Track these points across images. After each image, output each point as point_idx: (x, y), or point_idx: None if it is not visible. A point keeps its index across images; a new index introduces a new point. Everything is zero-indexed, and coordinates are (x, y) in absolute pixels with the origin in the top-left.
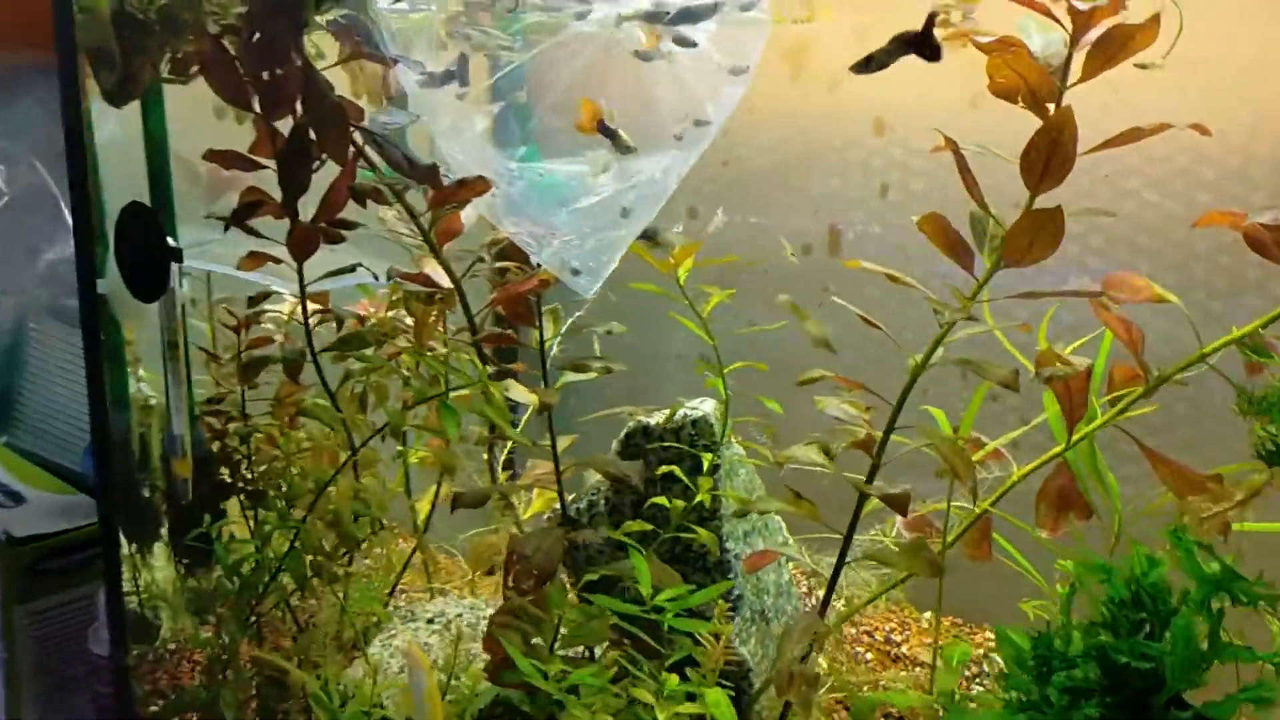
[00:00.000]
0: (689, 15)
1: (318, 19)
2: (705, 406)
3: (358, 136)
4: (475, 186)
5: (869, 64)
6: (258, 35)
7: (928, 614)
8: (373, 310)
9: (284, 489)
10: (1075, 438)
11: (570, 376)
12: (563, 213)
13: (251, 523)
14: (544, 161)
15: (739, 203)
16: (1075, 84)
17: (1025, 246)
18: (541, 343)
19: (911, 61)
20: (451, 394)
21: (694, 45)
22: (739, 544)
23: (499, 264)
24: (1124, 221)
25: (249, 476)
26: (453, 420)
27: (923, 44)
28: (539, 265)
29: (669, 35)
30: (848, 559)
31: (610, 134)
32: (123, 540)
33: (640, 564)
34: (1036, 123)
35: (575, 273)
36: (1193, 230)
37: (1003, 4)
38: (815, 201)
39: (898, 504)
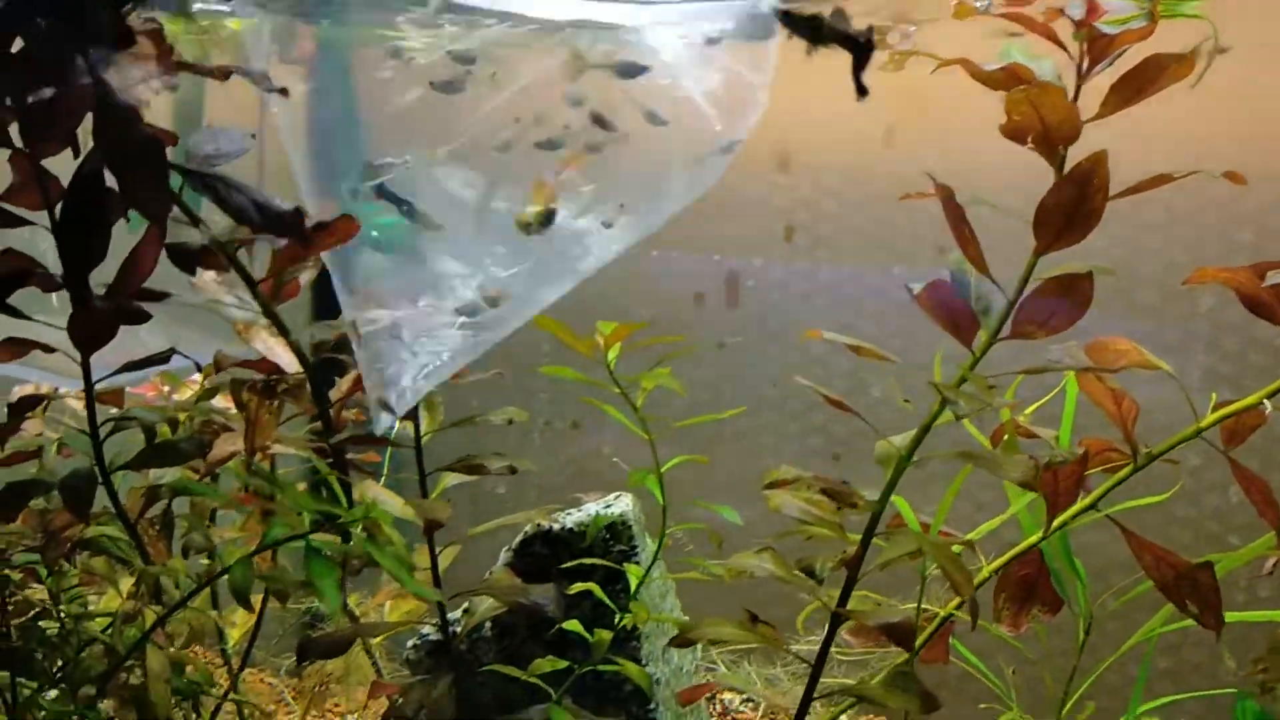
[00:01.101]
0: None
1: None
2: (621, 504)
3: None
4: (339, 229)
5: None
6: (20, 42)
7: None
8: (166, 391)
9: (62, 658)
10: (1054, 525)
11: (456, 479)
12: (421, 295)
13: (8, 696)
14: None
15: None
16: (1090, 120)
17: (1044, 318)
18: (418, 439)
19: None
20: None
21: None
22: (659, 665)
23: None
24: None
25: (3, 633)
26: (326, 570)
27: (858, 59)
28: None
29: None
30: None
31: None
32: None
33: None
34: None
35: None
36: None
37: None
38: (709, 244)
39: (900, 635)
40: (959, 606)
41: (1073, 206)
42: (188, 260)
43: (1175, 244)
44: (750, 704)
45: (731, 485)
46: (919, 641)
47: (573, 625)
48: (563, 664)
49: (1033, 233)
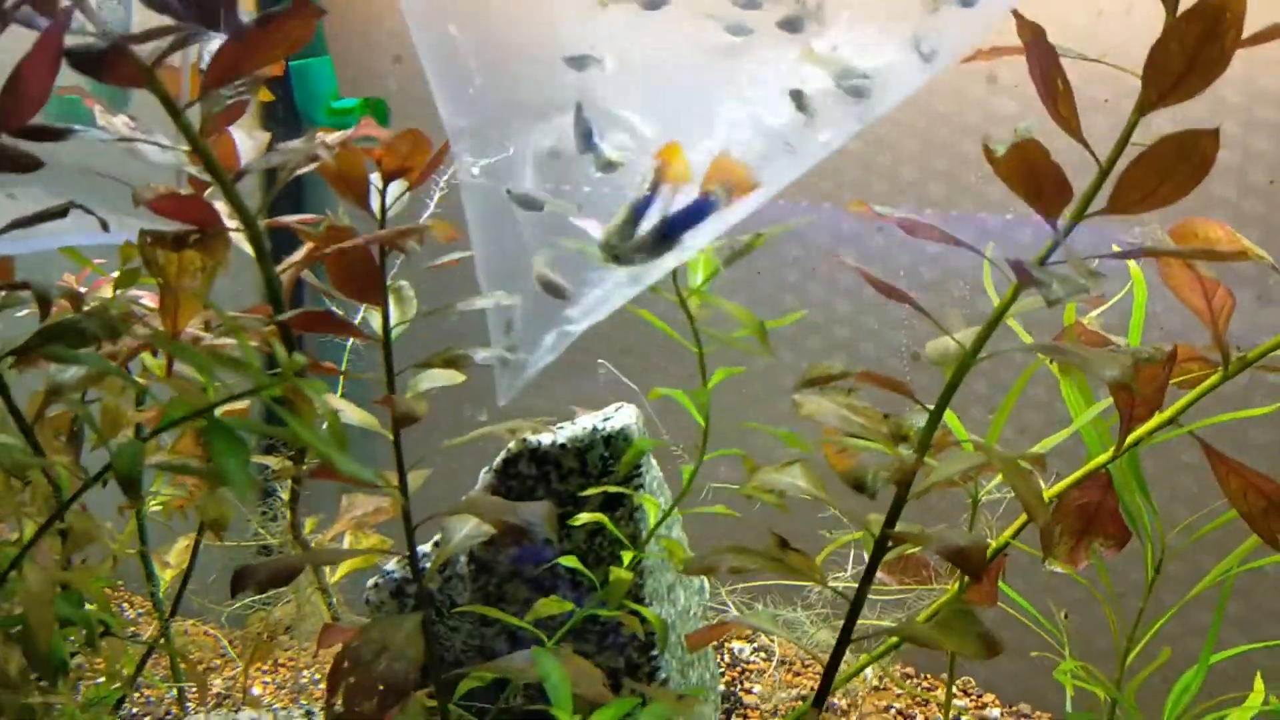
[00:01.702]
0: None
1: None
2: (622, 416)
3: None
4: (298, 21)
5: None
6: None
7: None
8: (84, 290)
9: None
10: (1128, 442)
11: (436, 378)
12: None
13: None
14: None
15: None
16: None
17: (1152, 186)
18: (386, 332)
19: None
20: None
21: None
22: (663, 605)
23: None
24: None
25: None
26: (231, 448)
27: None
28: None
29: None
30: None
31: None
32: None
33: (554, 671)
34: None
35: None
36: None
37: None
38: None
39: (969, 563)
40: (1017, 534)
41: (1196, 48)
42: (93, 65)
43: (1257, 128)
44: (762, 653)
45: (744, 405)
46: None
47: (569, 560)
48: (568, 606)
49: (1142, 82)
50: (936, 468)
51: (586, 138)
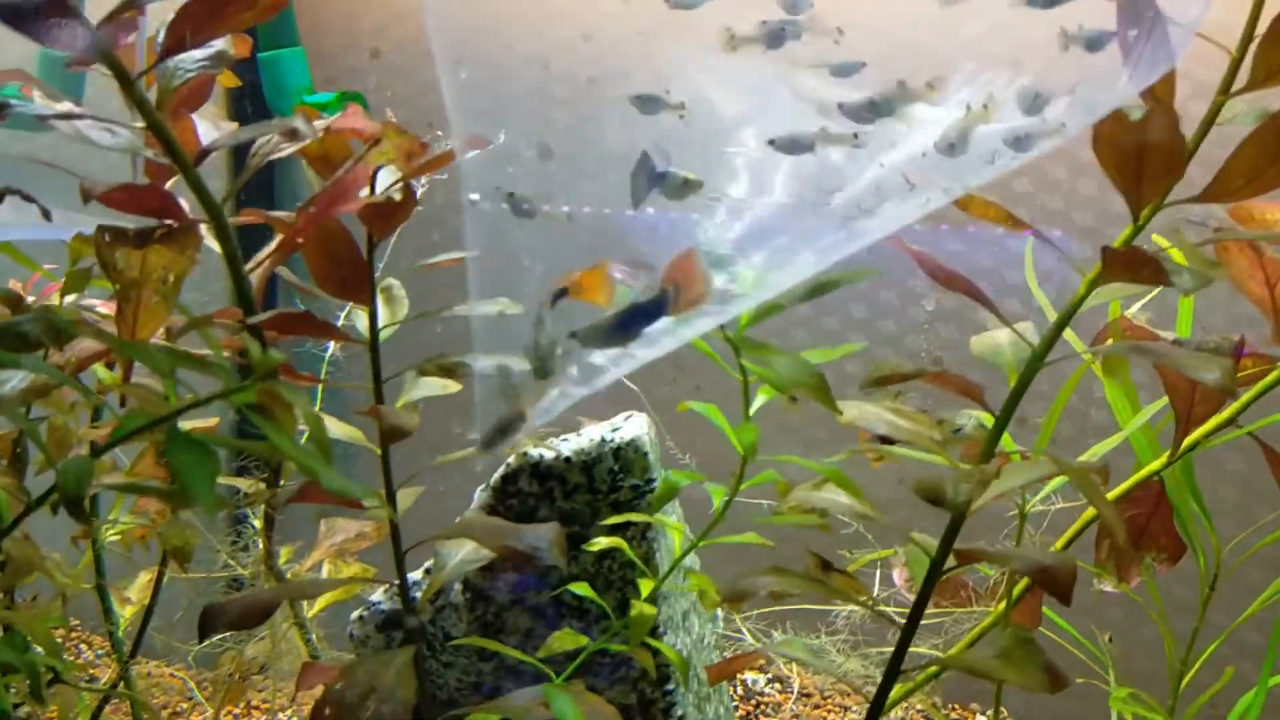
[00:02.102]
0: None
1: None
2: (632, 427)
3: None
4: None
5: None
6: None
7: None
8: (32, 298)
9: None
10: (1183, 447)
11: (429, 387)
12: None
13: None
14: None
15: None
16: None
17: (1260, 168)
18: (374, 331)
19: None
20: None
21: None
22: (678, 634)
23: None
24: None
25: None
26: (196, 460)
27: None
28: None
29: None
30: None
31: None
32: None
33: (570, 711)
34: None
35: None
36: None
37: None
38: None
39: (1058, 583)
40: (1067, 546)
41: None
42: (24, 18)
43: None
44: (777, 684)
45: (760, 415)
46: (1014, 596)
47: (580, 588)
48: (584, 640)
49: (1255, 57)
50: (1000, 479)
51: (650, 177)
